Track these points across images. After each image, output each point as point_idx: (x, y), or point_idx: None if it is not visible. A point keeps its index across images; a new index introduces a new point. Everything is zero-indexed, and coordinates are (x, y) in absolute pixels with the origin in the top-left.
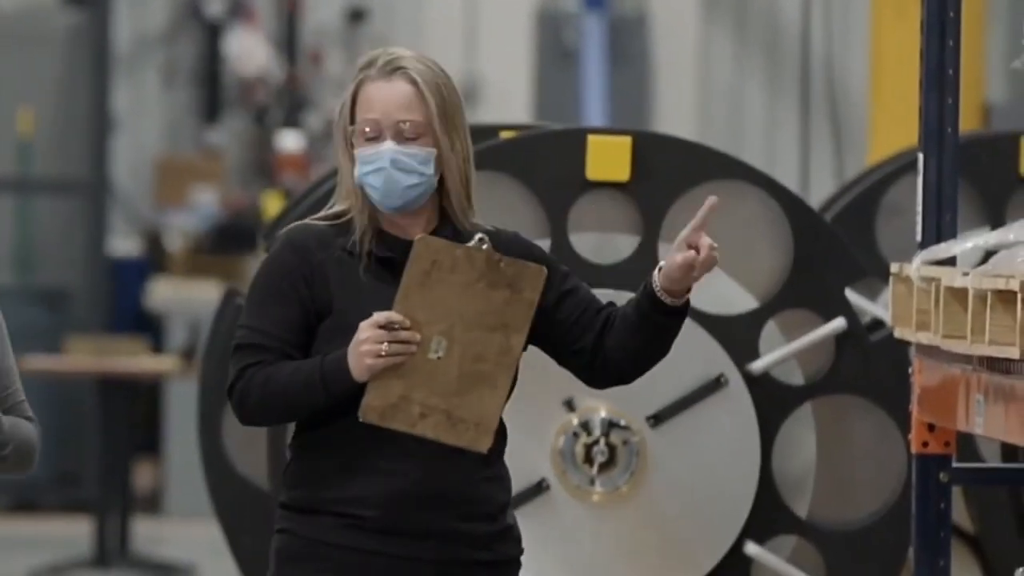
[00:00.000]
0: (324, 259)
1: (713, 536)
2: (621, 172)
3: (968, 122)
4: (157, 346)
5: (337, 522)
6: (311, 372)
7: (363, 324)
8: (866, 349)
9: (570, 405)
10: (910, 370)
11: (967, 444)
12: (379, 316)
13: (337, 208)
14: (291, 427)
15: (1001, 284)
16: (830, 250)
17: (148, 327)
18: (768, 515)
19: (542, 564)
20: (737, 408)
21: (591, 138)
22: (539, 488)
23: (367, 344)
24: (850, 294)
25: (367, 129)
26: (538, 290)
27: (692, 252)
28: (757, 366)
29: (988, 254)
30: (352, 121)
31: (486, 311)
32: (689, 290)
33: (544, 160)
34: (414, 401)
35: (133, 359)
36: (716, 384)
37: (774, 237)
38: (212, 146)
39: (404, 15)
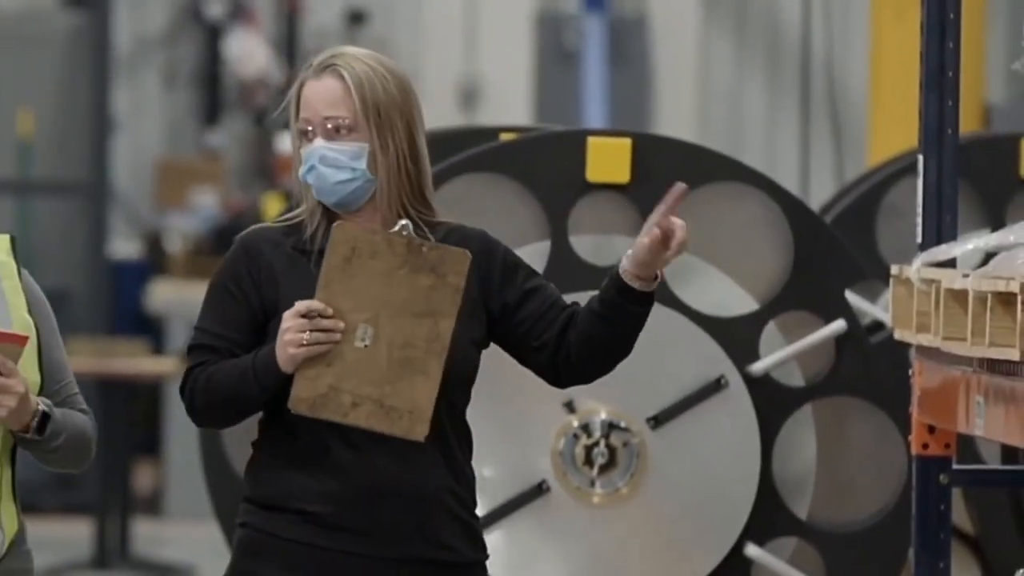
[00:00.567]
0: (273, 259)
1: (713, 537)
2: (621, 174)
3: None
4: (157, 348)
5: (293, 518)
6: (245, 368)
7: (286, 314)
8: (866, 351)
9: (570, 407)
10: (910, 372)
11: (967, 446)
12: (300, 305)
13: (296, 211)
14: None
15: (1001, 286)
16: (830, 252)
17: (148, 329)
18: (768, 517)
19: (542, 566)
20: (737, 410)
21: (591, 140)
22: (539, 490)
23: (289, 334)
24: (850, 296)
25: (303, 129)
26: (463, 274)
27: (658, 232)
28: (757, 368)
29: (988, 256)
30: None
31: (411, 297)
32: (656, 277)
33: (544, 162)
34: (344, 391)
35: (133, 361)
36: (716, 386)
37: (774, 239)
38: (212, 148)
39: (404, 17)
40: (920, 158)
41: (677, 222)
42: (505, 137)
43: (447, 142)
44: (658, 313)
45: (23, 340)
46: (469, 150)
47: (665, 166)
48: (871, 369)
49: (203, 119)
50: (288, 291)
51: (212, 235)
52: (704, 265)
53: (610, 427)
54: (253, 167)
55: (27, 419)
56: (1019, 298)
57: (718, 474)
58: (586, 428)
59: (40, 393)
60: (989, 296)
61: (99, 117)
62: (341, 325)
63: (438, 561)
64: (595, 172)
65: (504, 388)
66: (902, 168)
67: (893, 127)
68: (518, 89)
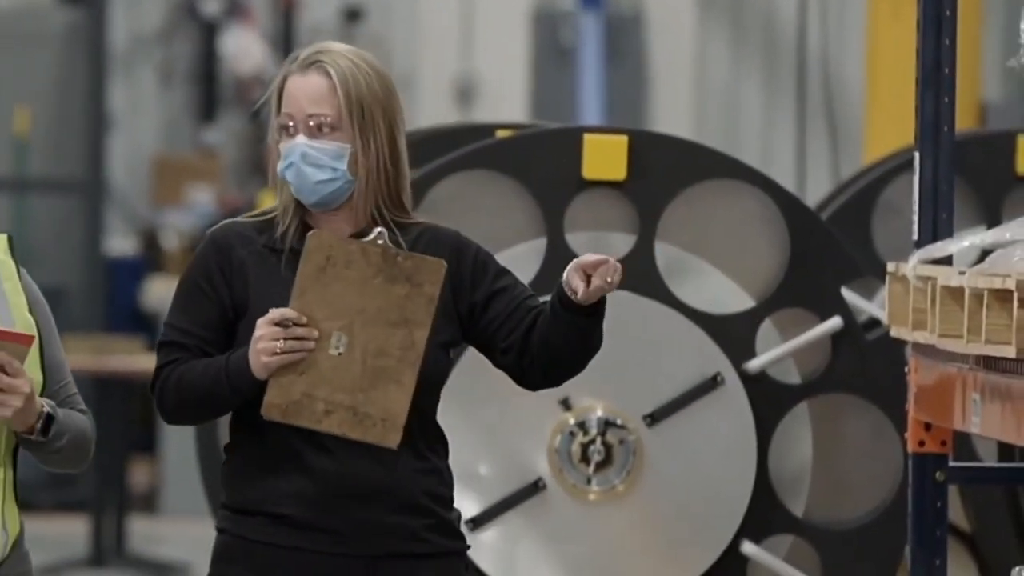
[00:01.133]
0: (245, 256)
1: (709, 535)
2: (617, 171)
3: (964, 121)
4: (153, 345)
5: (264, 520)
6: (218, 371)
7: (259, 321)
8: (862, 348)
9: (566, 404)
10: (906, 369)
11: (963, 443)
12: (274, 313)
13: (269, 207)
14: None
15: (997, 283)
16: (826, 249)
17: (144, 326)
18: (764, 514)
19: (538, 563)
20: (733, 407)
21: (587, 137)
22: (535, 487)
23: (262, 342)
24: (846, 293)
25: (284, 124)
26: (438, 284)
27: (580, 285)
28: (753, 365)
29: (984, 253)
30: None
31: (386, 306)
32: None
33: (540, 159)
34: (317, 398)
35: (129, 358)
36: (712, 383)
37: (770, 236)
38: (208, 145)
39: (400, 14)
40: (916, 155)
41: (595, 282)
42: (501, 134)
43: (443, 139)
44: (654, 310)
45: (30, 340)
46: (465, 147)
47: (661, 163)
48: (867, 366)
49: (199, 116)
50: (258, 290)
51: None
52: (700, 262)
53: (606, 424)
54: (249, 164)
55: (32, 420)
56: (1015, 295)
57: (714, 471)
58: (582, 425)
59: (41, 393)
60: (985, 293)
61: (95, 114)
62: (315, 334)
63: (413, 553)
64: (591, 169)
65: (499, 385)
66: (898, 165)
67: (889, 124)
68: (514, 86)
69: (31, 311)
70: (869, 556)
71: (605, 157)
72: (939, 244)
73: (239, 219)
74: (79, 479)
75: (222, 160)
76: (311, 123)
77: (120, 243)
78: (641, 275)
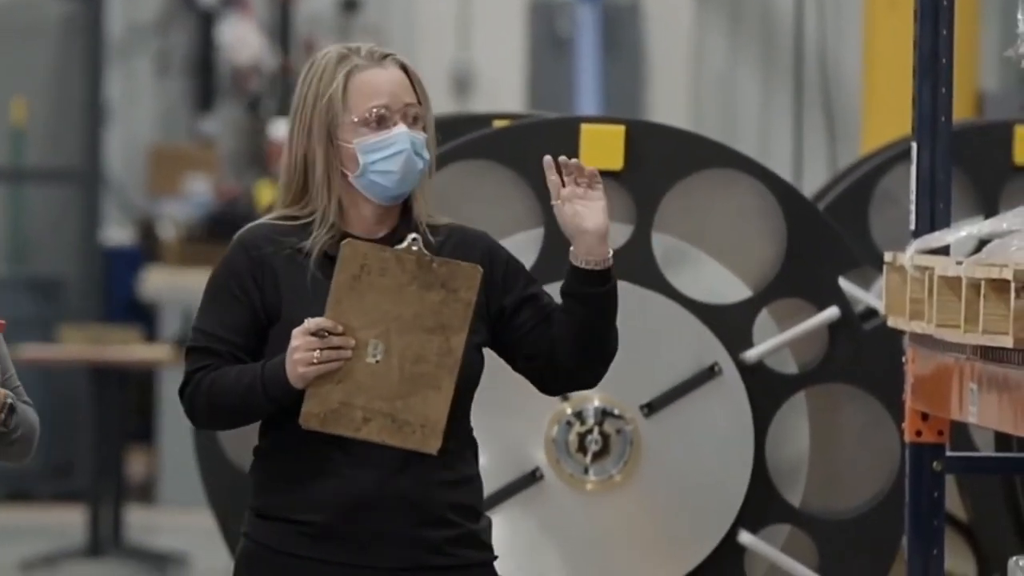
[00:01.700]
0: (274, 260)
1: (706, 525)
2: (614, 161)
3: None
4: (150, 335)
5: (290, 529)
6: (253, 379)
7: (295, 331)
8: (859, 338)
9: (564, 394)
10: (903, 359)
11: (961, 433)
12: (310, 323)
13: (291, 211)
14: None
15: (995, 273)
16: (823, 239)
17: (141, 316)
18: (761, 504)
19: (535, 553)
20: (730, 397)
21: (584, 127)
22: (533, 477)
23: (299, 352)
24: (843, 283)
25: (373, 115)
26: (474, 289)
27: (561, 189)
28: (751, 355)
29: (982, 243)
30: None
31: (422, 313)
32: (609, 256)
33: (537, 149)
34: (355, 406)
35: (126, 348)
36: (710, 373)
37: (767, 226)
38: (205, 135)
39: (397, 3)
40: (913, 145)
41: (571, 163)
42: (498, 124)
43: (440, 129)
44: (651, 300)
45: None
46: (462, 137)
47: (658, 153)
48: (864, 356)
49: (196, 106)
50: (289, 295)
51: (205, 222)
52: (697, 252)
53: (603, 414)
54: (246, 154)
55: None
56: (1012, 285)
57: (711, 461)
58: (579, 415)
59: None
60: (982, 283)
61: (92, 104)
62: (352, 342)
63: (436, 566)
64: (588, 159)
65: (497, 376)
66: (895, 155)
67: (886, 114)
68: (511, 76)
69: None
70: (866, 546)
71: (602, 147)
72: (936, 234)
73: (266, 221)
74: (76, 469)
75: (219, 150)
76: (410, 113)
77: (117, 233)
78: (638, 265)
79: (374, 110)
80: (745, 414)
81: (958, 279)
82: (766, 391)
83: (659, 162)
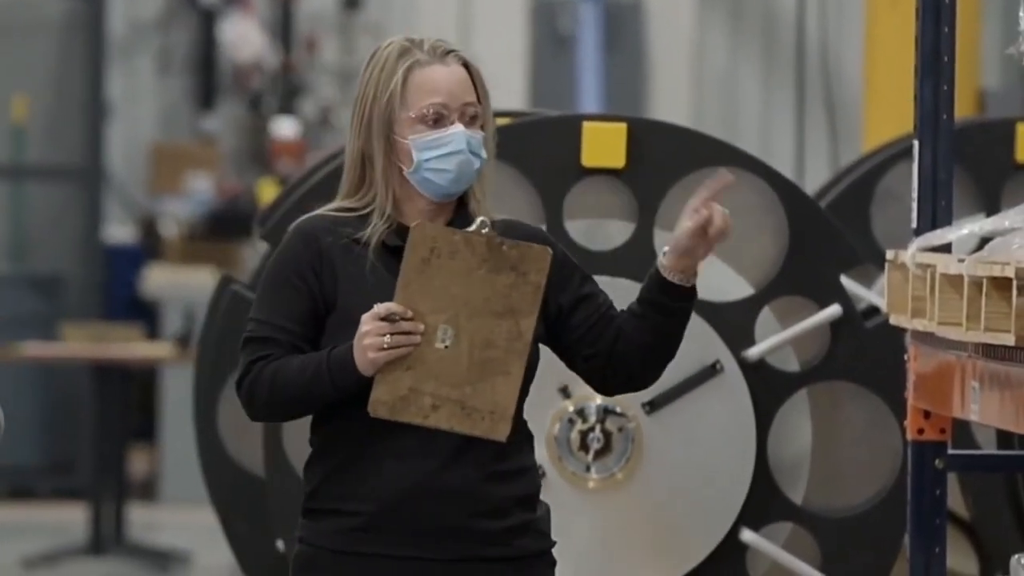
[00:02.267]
0: (333, 249)
1: (708, 523)
2: (616, 159)
3: (963, 108)
4: (152, 333)
5: (344, 524)
6: (318, 367)
7: (364, 317)
8: (861, 336)
9: (566, 392)
10: (905, 357)
11: (963, 431)
12: (379, 308)
13: (349, 203)
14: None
15: (997, 271)
16: (825, 237)
17: (143, 314)
18: (763, 502)
19: None
20: (732, 395)
21: (586, 125)
22: None
23: (369, 337)
24: (845, 281)
25: (431, 113)
26: (544, 271)
27: (704, 214)
28: (753, 353)
29: (984, 241)
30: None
31: (491, 296)
32: (696, 274)
33: (539, 147)
34: (424, 392)
35: (128, 346)
36: (712, 371)
37: (769, 224)
38: (207, 133)
39: (399, 1)
40: (915, 143)
41: (717, 208)
42: (500, 122)
43: None
44: None
45: None
46: None
47: (660, 151)
48: (866, 354)
49: (198, 104)
50: (346, 285)
51: (206, 220)
52: None
53: (605, 412)
54: (248, 152)
55: None
56: (1014, 283)
57: (713, 459)
58: (581, 413)
59: None
60: (984, 281)
61: (94, 102)
62: (421, 327)
63: (492, 558)
64: (590, 157)
65: None
66: (897, 153)
67: (888, 112)
68: (513, 74)
69: None
70: (868, 544)
71: (604, 145)
72: (938, 232)
73: (324, 211)
74: (78, 466)
75: (221, 148)
76: (468, 112)
77: (119, 231)
78: (640, 263)
79: (432, 108)
80: (747, 412)
81: (960, 277)
82: (768, 389)
83: (661, 160)
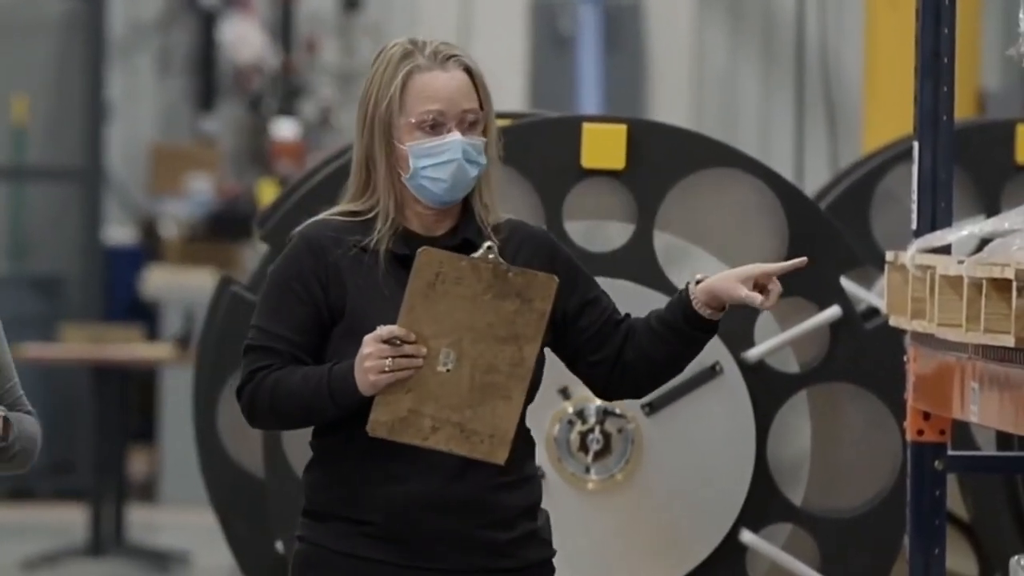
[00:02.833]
0: (340, 258)
1: (708, 524)
2: (616, 160)
3: (963, 110)
4: (152, 334)
5: (350, 530)
6: (319, 383)
7: (367, 338)
8: (861, 337)
9: (565, 393)
10: (905, 358)
11: (962, 432)
12: (383, 330)
13: (354, 206)
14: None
15: (996, 272)
16: (825, 238)
17: (143, 315)
18: (763, 503)
19: None
20: (732, 396)
21: (586, 126)
22: None
23: (371, 360)
24: (845, 282)
25: (428, 120)
26: (549, 300)
27: (757, 296)
28: (752, 354)
29: (983, 242)
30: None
31: (495, 322)
32: (725, 309)
33: (539, 148)
34: (424, 415)
35: (128, 347)
36: (711, 372)
37: (769, 225)
38: (207, 134)
39: (399, 2)
40: (915, 144)
41: (776, 288)
42: (500, 123)
43: None
44: (652, 299)
45: None
46: None
47: (660, 152)
48: (866, 355)
49: (198, 105)
50: (356, 296)
51: (206, 221)
52: (699, 251)
53: (605, 413)
54: (248, 153)
55: None
56: (1014, 284)
57: (713, 461)
58: (581, 414)
59: None
60: (984, 282)
61: (93, 103)
62: (424, 351)
63: (498, 569)
64: (590, 158)
65: None
66: (897, 154)
67: (888, 113)
68: (513, 75)
69: None
70: (867, 545)
71: (604, 146)
72: (938, 233)
73: (328, 217)
74: (78, 467)
75: (220, 149)
76: (467, 119)
77: (118, 232)
78: (639, 264)
79: (429, 115)
80: (746, 413)
81: (960, 278)
82: (767, 390)
83: (661, 161)
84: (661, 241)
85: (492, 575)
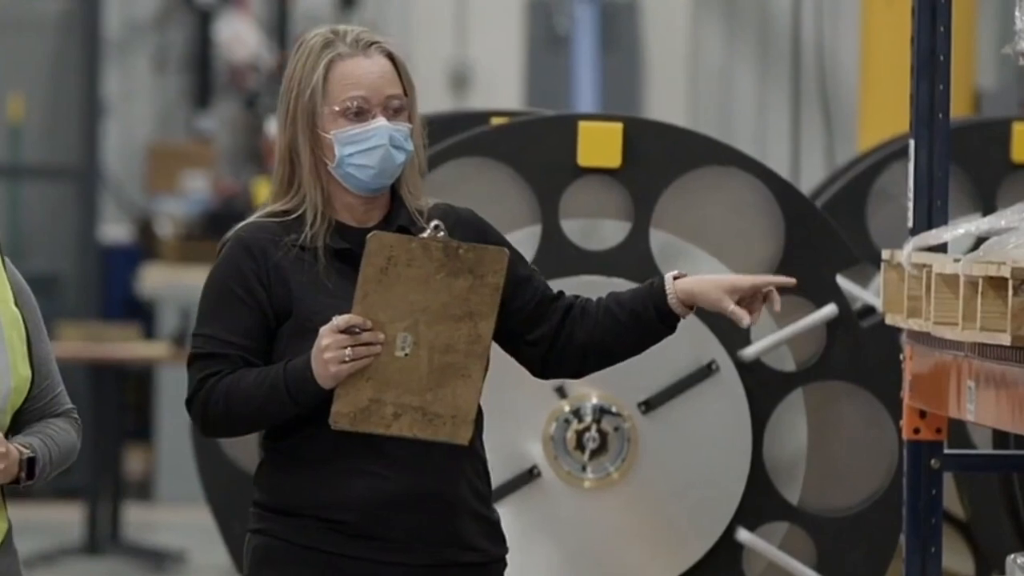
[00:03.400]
0: (280, 258)
1: (704, 522)
2: (612, 158)
3: (959, 108)
4: (148, 332)
5: (318, 525)
6: (275, 381)
7: (323, 330)
8: (857, 335)
9: (561, 392)
10: (901, 356)
11: (958, 430)
12: (339, 320)
13: (280, 205)
14: None
15: (992, 270)
16: (821, 236)
17: (139, 313)
18: (759, 501)
19: (533, 551)
20: (728, 394)
21: (582, 124)
22: (530, 475)
23: (329, 351)
24: (841, 280)
25: (352, 106)
26: (501, 273)
27: (745, 315)
28: (748, 352)
29: (979, 240)
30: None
31: (450, 301)
32: (694, 308)
33: (535, 146)
34: (386, 402)
35: (124, 345)
36: (707, 370)
37: (765, 223)
38: (203, 132)
39: (394, 1)
40: (911, 142)
41: (771, 302)
42: (496, 121)
43: (438, 126)
44: None
45: None
46: (460, 134)
47: (656, 150)
48: (862, 354)
49: (194, 103)
50: (300, 293)
51: (203, 219)
52: (695, 249)
53: (601, 412)
54: (244, 151)
55: (15, 471)
56: (1010, 282)
57: (709, 459)
58: (577, 413)
59: (29, 391)
60: (980, 281)
61: (89, 101)
62: (381, 337)
63: (463, 563)
64: (586, 156)
65: (494, 373)
66: (893, 152)
67: (884, 111)
68: (509, 73)
69: (16, 303)
70: (864, 543)
71: (600, 144)
72: (934, 231)
73: (259, 219)
74: (74, 466)
75: (216, 147)
76: (392, 105)
77: (114, 230)
78: (635, 262)
79: (353, 101)
80: (743, 411)
81: (956, 276)
82: (764, 388)
83: (657, 159)
84: (657, 239)
85: (456, 570)
